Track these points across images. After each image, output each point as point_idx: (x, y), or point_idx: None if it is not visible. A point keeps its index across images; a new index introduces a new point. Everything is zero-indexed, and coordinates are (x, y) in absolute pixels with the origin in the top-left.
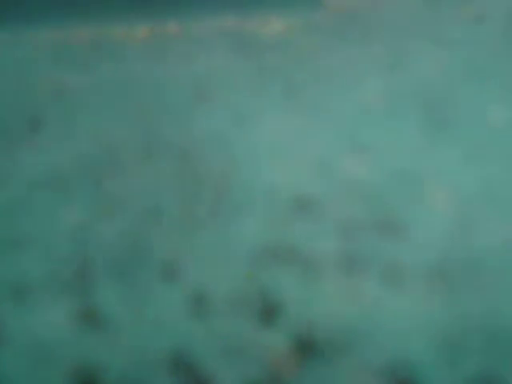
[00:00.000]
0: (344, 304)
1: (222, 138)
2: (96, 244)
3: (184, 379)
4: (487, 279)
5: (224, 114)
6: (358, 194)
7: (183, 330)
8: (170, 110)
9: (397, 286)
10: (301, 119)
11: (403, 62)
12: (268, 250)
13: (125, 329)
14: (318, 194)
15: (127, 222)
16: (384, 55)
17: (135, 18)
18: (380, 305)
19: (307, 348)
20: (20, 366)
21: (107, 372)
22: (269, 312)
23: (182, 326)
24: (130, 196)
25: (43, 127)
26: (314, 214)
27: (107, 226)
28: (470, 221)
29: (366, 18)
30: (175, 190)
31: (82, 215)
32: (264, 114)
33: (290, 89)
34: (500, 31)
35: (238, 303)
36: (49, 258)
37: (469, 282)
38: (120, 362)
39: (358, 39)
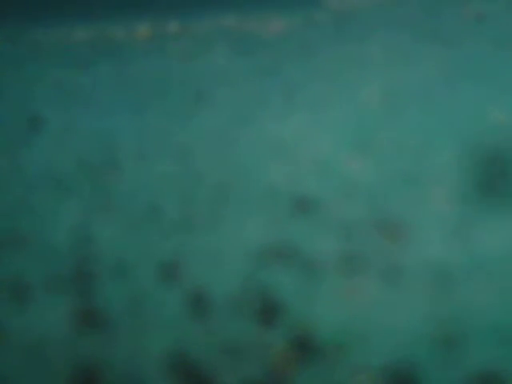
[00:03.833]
0: (344, 304)
1: (222, 137)
2: (96, 243)
3: (184, 379)
4: (489, 279)
5: (224, 113)
6: (358, 193)
7: (183, 330)
8: (169, 108)
9: (397, 287)
10: (301, 119)
11: (403, 61)
12: (268, 249)
13: (124, 328)
14: (319, 194)
15: (127, 222)
16: (384, 54)
17: (135, 17)
18: (381, 305)
19: (307, 348)
20: (19, 365)
21: (107, 372)
22: (269, 312)
23: (182, 325)
24: (130, 195)
25: (43, 126)
26: (314, 214)
27: (107, 225)
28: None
29: (366, 18)
30: (175, 190)
31: (81, 215)
32: (264, 113)
33: (290, 88)
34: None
35: (238, 303)
36: (48, 257)
37: (470, 282)
38: (120, 362)
39: (359, 38)
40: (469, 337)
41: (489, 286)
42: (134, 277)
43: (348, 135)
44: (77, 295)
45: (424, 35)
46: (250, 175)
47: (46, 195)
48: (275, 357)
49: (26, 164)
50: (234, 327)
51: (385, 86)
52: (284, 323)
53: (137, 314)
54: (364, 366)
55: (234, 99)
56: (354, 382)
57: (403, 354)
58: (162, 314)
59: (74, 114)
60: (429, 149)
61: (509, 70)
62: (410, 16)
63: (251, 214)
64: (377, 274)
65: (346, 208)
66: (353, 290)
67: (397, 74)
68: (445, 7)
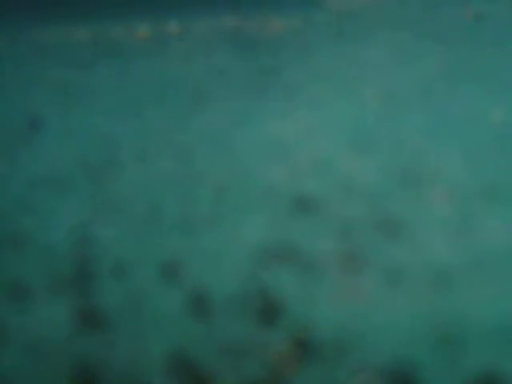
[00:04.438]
0: (344, 303)
1: (222, 136)
2: (96, 243)
3: (184, 379)
4: (489, 279)
5: (224, 114)
6: (359, 193)
7: (183, 330)
8: (169, 108)
9: (397, 286)
10: (301, 118)
11: (403, 61)
12: (268, 249)
13: (124, 328)
14: (319, 194)
15: (127, 222)
16: (384, 54)
17: (135, 17)
18: (380, 305)
19: (307, 348)
20: (20, 366)
21: (107, 371)
22: (269, 312)
23: (182, 325)
24: (130, 195)
25: (43, 126)
26: (314, 214)
27: (107, 225)
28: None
29: (366, 18)
30: (175, 190)
31: (81, 215)
32: (264, 113)
33: (289, 88)
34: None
35: (238, 303)
36: (48, 257)
37: (469, 281)
38: (120, 362)
39: (358, 39)
40: (468, 336)
41: (488, 285)
42: (134, 277)
43: (348, 135)
44: (77, 295)
45: (424, 35)
46: (251, 175)
47: (46, 195)
48: (275, 357)
49: (26, 164)
50: (235, 327)
51: (385, 85)
52: (284, 323)
53: (137, 313)
54: (364, 365)
55: (233, 99)
56: (353, 381)
57: (403, 353)
58: (162, 314)
59: (74, 113)
60: (429, 148)
61: (508, 69)
62: (409, 16)
63: (251, 214)
64: (377, 274)
65: (346, 208)
66: (353, 289)
67: (397, 73)
68: (445, 7)
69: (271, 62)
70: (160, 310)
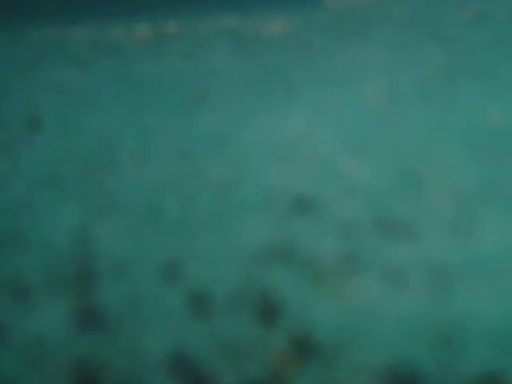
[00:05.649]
0: (344, 304)
1: (222, 136)
2: (96, 243)
3: (184, 379)
4: (490, 280)
5: (224, 113)
6: (359, 193)
7: (183, 330)
8: (169, 108)
9: (397, 287)
10: (301, 119)
11: (404, 61)
12: (268, 249)
13: (124, 329)
14: (320, 194)
15: (127, 222)
16: (385, 53)
17: (135, 17)
18: (380, 305)
19: (307, 348)
20: (19, 366)
21: (107, 372)
22: (269, 312)
23: (182, 326)
24: (130, 195)
25: (43, 126)
26: (315, 214)
27: (107, 225)
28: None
29: (366, 17)
30: (175, 190)
31: (81, 215)
32: (264, 113)
33: (290, 88)
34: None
35: (238, 303)
36: (48, 257)
37: (471, 282)
38: (119, 362)
39: (359, 38)
40: (469, 337)
41: (489, 286)
42: (134, 277)
43: (348, 135)
44: (77, 295)
45: (424, 34)
46: (251, 175)
47: (46, 195)
48: (275, 357)
49: (26, 164)
50: (234, 327)
51: (385, 85)
52: (284, 323)
53: (137, 314)
54: (364, 366)
55: (234, 99)
56: (353, 381)
57: (403, 354)
58: (162, 314)
59: (73, 113)
60: (429, 148)
61: (509, 68)
62: (410, 14)
63: (252, 214)
64: (377, 274)
65: (346, 208)
66: (353, 289)
67: (397, 73)
68: (445, 5)
69: (271, 61)
70: (160, 309)
